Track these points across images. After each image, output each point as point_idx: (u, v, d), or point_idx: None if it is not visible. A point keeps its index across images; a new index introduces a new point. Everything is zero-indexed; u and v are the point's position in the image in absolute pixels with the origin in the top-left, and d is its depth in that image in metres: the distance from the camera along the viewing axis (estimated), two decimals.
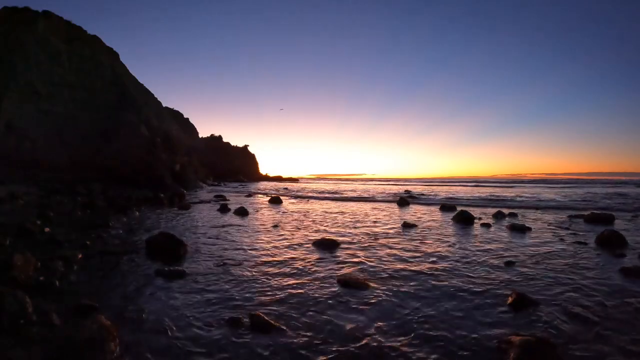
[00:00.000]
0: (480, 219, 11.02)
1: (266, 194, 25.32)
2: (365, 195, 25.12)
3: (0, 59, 28.52)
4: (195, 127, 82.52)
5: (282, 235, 8.25)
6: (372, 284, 4.46)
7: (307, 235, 8.24)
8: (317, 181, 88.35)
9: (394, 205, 16.53)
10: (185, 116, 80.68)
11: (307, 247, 6.81)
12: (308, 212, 13.65)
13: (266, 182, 66.94)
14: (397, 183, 66.16)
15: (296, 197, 20.63)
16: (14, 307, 3.08)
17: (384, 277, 4.84)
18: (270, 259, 5.87)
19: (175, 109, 75.90)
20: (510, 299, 3.85)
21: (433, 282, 4.59)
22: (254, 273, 4.97)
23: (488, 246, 6.93)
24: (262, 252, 6.35)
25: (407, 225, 9.55)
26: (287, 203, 18.19)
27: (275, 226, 9.59)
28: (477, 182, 72.65)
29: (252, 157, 79.17)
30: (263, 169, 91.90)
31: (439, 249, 6.63)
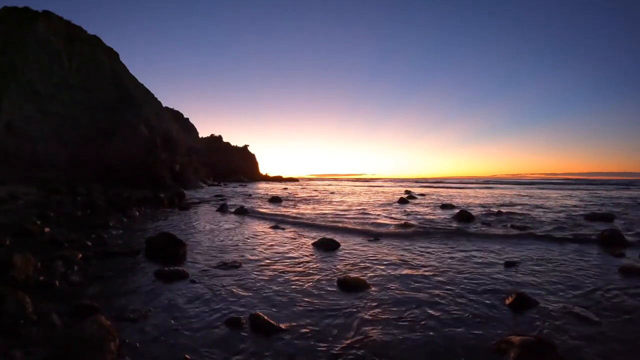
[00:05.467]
0: (480, 218, 11.02)
1: (266, 194, 25.31)
2: (364, 203, 25.08)
3: (0, 59, 28.50)
4: (195, 127, 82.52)
5: (282, 235, 8.25)
6: (371, 285, 4.46)
7: (307, 235, 8.24)
8: (317, 181, 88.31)
9: (395, 206, 16.52)
10: (185, 116, 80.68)
11: (308, 248, 6.81)
12: (306, 209, 13.64)
13: (266, 182, 66.87)
14: (398, 184, 66.14)
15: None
16: (14, 307, 3.08)
17: (384, 277, 4.84)
18: (270, 259, 5.87)
19: (175, 109, 75.88)
20: (510, 299, 3.85)
21: (433, 282, 4.59)
22: (253, 273, 4.97)
23: (488, 246, 6.93)
24: (261, 253, 6.35)
25: (407, 225, 9.54)
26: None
27: (275, 226, 9.59)
28: (478, 182, 72.67)
29: (252, 157, 78.96)
30: (263, 169, 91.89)
31: (439, 249, 6.63)
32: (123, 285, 4.36)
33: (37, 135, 28.42)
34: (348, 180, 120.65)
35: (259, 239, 7.69)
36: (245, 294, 4.09)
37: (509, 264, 5.48)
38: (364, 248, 6.79)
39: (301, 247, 6.83)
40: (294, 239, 7.79)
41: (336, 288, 4.34)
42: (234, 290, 4.22)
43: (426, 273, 5.03)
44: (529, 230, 8.74)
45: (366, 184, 65.90)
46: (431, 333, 3.12)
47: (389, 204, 16.99)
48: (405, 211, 13.76)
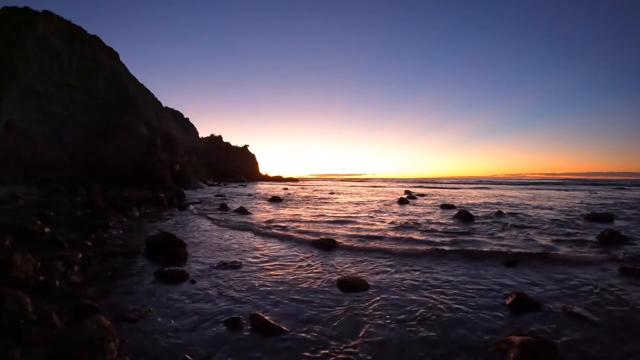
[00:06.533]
0: (480, 218, 11.02)
1: (266, 194, 25.32)
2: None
3: (0, 59, 28.50)
4: (195, 127, 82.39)
5: (283, 235, 8.24)
6: (371, 284, 4.46)
7: (306, 234, 8.23)
8: (317, 182, 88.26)
9: (395, 207, 16.52)
10: (185, 116, 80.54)
11: (307, 247, 6.81)
12: (306, 209, 13.64)
13: (266, 182, 66.89)
14: (398, 184, 66.17)
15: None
16: (14, 307, 3.08)
17: (383, 276, 4.84)
18: (270, 259, 5.87)
19: (175, 109, 75.73)
20: (510, 299, 3.85)
21: (432, 282, 4.60)
22: (254, 273, 4.97)
23: (488, 245, 6.92)
24: (262, 253, 6.35)
25: (408, 225, 9.54)
26: (288, 205, 18.14)
27: (276, 227, 9.58)
28: (478, 182, 72.67)
29: (252, 157, 78.90)
30: (263, 169, 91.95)
31: (439, 248, 6.62)
32: (123, 285, 4.35)
33: (37, 135, 28.42)
34: (348, 180, 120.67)
35: (259, 239, 7.68)
36: (245, 294, 4.09)
37: (508, 264, 5.48)
38: (362, 248, 6.79)
39: (301, 248, 6.82)
40: (294, 239, 7.78)
41: (336, 288, 4.34)
42: (234, 290, 4.22)
43: (425, 276, 5.04)
44: (527, 231, 8.75)
45: (366, 184, 65.91)
46: (431, 333, 3.12)
47: (389, 205, 16.99)
48: (405, 212, 13.76)
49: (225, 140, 73.65)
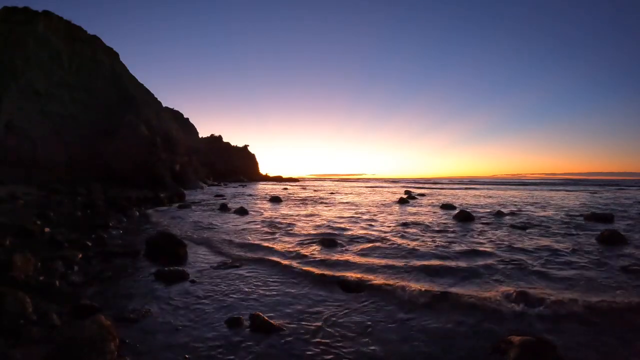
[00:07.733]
0: (481, 217, 11.01)
1: (266, 195, 25.31)
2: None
3: (0, 59, 28.49)
4: (195, 127, 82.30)
5: (282, 234, 8.24)
6: (372, 284, 4.46)
7: (306, 234, 8.23)
8: (317, 182, 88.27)
9: (396, 207, 16.52)
10: (185, 116, 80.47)
11: (307, 246, 6.80)
12: (306, 209, 13.65)
13: (266, 182, 66.90)
14: (398, 184, 66.22)
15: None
16: (14, 307, 3.08)
17: (384, 276, 4.83)
18: (270, 259, 5.86)
19: (175, 109, 75.64)
20: (511, 298, 3.85)
21: (433, 281, 4.59)
22: (254, 273, 4.97)
23: (489, 245, 6.92)
24: (261, 252, 6.35)
25: (408, 225, 9.53)
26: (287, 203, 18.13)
27: (275, 226, 9.58)
28: (478, 182, 72.67)
29: (252, 157, 78.86)
30: (263, 169, 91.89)
31: (440, 248, 6.62)
32: (123, 285, 4.35)
33: (37, 135, 28.39)
34: (348, 180, 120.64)
35: (259, 238, 7.67)
36: (245, 294, 4.09)
37: (509, 262, 5.47)
38: (365, 247, 6.80)
39: (301, 245, 6.81)
40: (296, 238, 7.78)
41: (336, 288, 4.34)
42: (234, 290, 4.22)
43: (425, 277, 5.04)
44: (527, 232, 8.75)
45: (366, 184, 65.91)
46: (431, 333, 3.12)
47: (389, 206, 17.00)
48: (404, 213, 13.76)
49: (225, 140, 73.62)
